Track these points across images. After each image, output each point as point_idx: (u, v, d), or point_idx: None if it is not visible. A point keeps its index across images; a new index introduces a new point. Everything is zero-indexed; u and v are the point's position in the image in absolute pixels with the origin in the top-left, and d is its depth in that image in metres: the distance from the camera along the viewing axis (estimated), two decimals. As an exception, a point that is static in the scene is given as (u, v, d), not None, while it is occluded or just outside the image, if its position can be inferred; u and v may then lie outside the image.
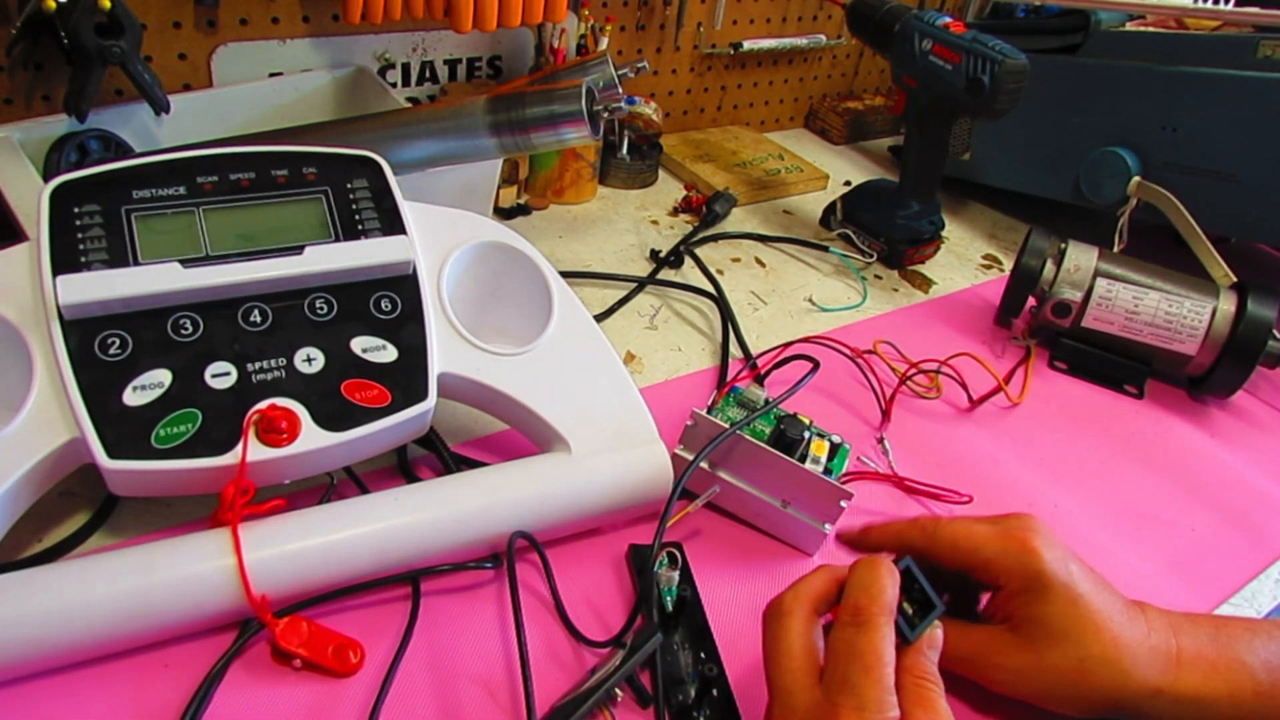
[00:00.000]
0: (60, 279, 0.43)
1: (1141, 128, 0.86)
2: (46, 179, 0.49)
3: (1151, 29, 0.92)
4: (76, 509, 0.50)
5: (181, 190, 0.48)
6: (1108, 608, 0.44)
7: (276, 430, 0.45)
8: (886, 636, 0.38)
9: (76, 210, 0.46)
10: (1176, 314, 0.73)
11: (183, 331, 0.46)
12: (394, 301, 0.51)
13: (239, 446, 0.44)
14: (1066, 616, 0.43)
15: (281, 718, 0.42)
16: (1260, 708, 0.43)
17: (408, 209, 0.53)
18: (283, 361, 0.47)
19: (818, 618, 0.41)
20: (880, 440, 0.66)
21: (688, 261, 0.84)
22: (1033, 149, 0.96)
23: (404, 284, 0.51)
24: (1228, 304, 0.72)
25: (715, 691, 0.46)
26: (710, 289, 0.80)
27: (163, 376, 0.45)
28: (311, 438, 0.46)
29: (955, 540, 0.45)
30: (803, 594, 0.41)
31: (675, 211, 0.94)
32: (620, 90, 0.74)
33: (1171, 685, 0.43)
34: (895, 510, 0.60)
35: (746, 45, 1.07)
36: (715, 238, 0.90)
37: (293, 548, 0.45)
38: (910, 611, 0.40)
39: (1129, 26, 0.94)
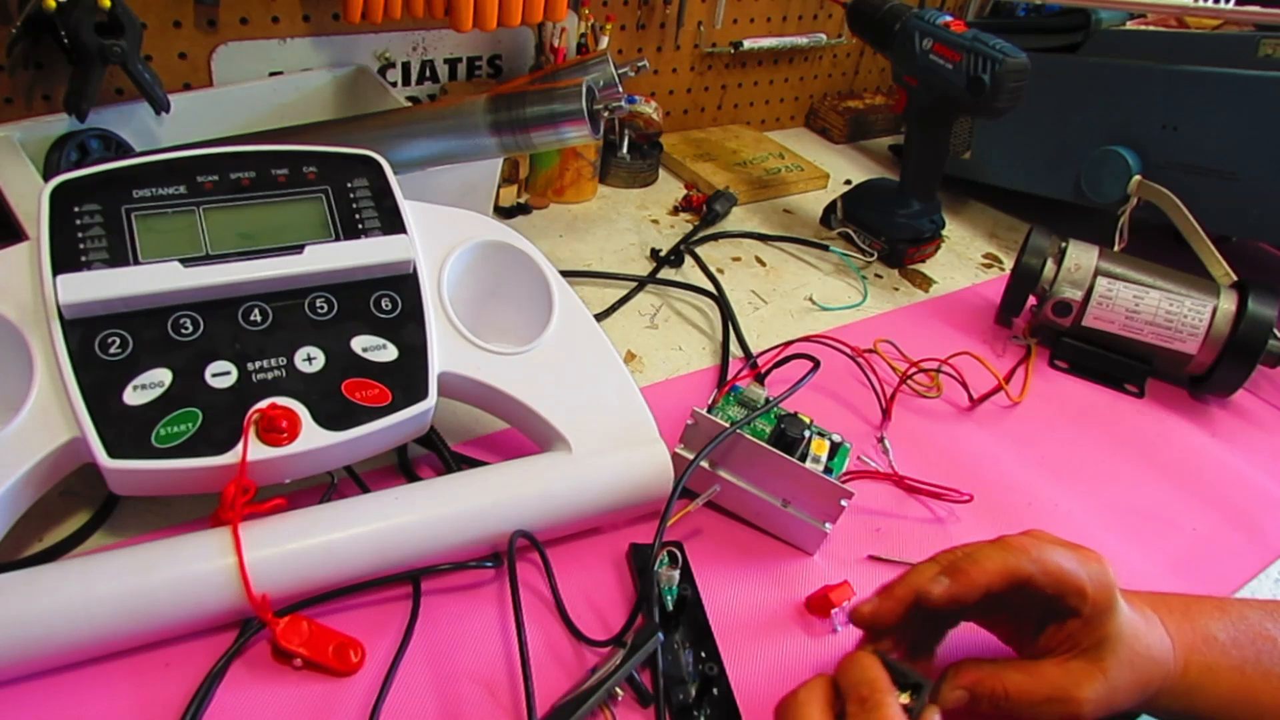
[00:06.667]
0: (60, 278, 0.43)
1: (1142, 126, 0.86)
2: (47, 178, 0.49)
3: (1152, 28, 0.92)
4: (77, 508, 0.50)
5: (182, 189, 0.48)
6: (1126, 608, 0.44)
7: (277, 429, 0.44)
8: (898, 713, 0.38)
9: (77, 209, 0.46)
10: (1177, 313, 0.73)
11: (183, 331, 0.46)
12: (394, 301, 0.51)
13: (239, 446, 0.44)
14: (1123, 627, 0.43)
15: (282, 717, 0.42)
16: (1233, 683, 0.45)
17: (408, 208, 0.53)
18: (283, 361, 0.47)
19: (833, 715, 0.40)
20: (881, 439, 0.66)
21: (688, 261, 0.84)
22: (1033, 148, 0.96)
23: (404, 283, 0.51)
24: (1228, 303, 0.72)
25: (716, 690, 0.46)
26: (711, 288, 0.80)
27: (163, 376, 0.45)
28: (312, 437, 0.46)
29: (1060, 569, 0.42)
30: (816, 689, 0.40)
31: (675, 210, 0.94)
32: (620, 89, 0.74)
33: (1178, 674, 0.45)
34: (896, 509, 0.60)
35: (747, 44, 1.07)
36: (715, 237, 0.90)
37: (293, 547, 0.45)
38: (907, 698, 0.40)
39: (1130, 25, 0.94)
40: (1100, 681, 0.42)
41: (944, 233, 0.92)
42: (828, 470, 0.53)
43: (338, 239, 0.50)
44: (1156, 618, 0.46)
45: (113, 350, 0.44)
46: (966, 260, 0.94)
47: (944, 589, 0.42)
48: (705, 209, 0.92)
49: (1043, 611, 0.44)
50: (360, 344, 0.49)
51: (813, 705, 0.39)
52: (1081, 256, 0.75)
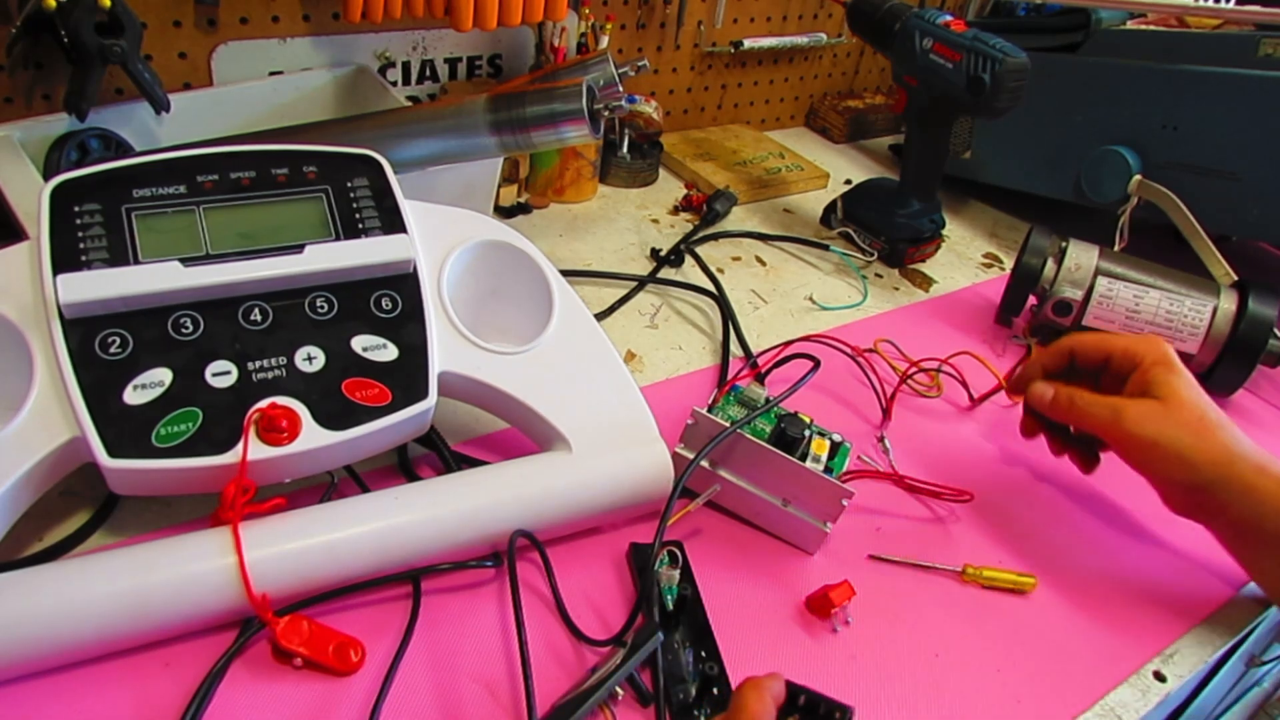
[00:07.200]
0: (61, 278, 0.43)
1: (1142, 126, 0.86)
2: (47, 178, 0.49)
3: (1152, 27, 0.92)
4: (77, 508, 0.50)
5: (182, 189, 0.48)
6: (1217, 406, 0.54)
7: (277, 429, 0.44)
8: None
9: (77, 209, 0.46)
10: (1177, 313, 0.73)
11: (183, 330, 0.46)
12: (394, 300, 0.51)
13: (239, 445, 0.44)
14: (1191, 389, 0.54)
15: (282, 716, 0.42)
16: None
17: (408, 207, 0.53)
18: (283, 360, 0.47)
19: None
20: (881, 439, 0.66)
21: (688, 260, 0.84)
22: (1033, 147, 0.96)
23: (404, 283, 0.51)
24: (1229, 303, 0.72)
25: (716, 690, 0.46)
26: (711, 288, 0.80)
27: (163, 375, 0.45)
28: (312, 436, 0.46)
29: (1097, 338, 0.58)
30: None
31: (676, 210, 0.94)
32: (620, 89, 0.74)
33: (1276, 468, 0.52)
34: (896, 509, 0.60)
35: (747, 44, 1.07)
36: (716, 236, 0.90)
37: (293, 547, 0.45)
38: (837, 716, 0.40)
39: (1130, 25, 0.94)
40: (1157, 406, 0.53)
41: (944, 232, 0.92)
42: (828, 470, 0.53)
43: (338, 239, 0.50)
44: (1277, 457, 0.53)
45: (113, 350, 0.44)
46: (966, 260, 0.94)
47: (1017, 374, 0.63)
48: (705, 208, 0.92)
49: (1116, 381, 0.57)
50: (360, 343, 0.49)
51: None
52: (1081, 256, 0.75)
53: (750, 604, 0.52)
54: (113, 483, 0.44)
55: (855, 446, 0.62)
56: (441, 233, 0.55)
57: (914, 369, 0.70)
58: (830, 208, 0.94)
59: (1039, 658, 0.52)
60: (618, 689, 0.44)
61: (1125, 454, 0.55)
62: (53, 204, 0.45)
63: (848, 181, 1.05)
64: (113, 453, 0.42)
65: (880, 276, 0.88)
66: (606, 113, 0.65)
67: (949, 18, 0.79)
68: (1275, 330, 0.71)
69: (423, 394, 0.49)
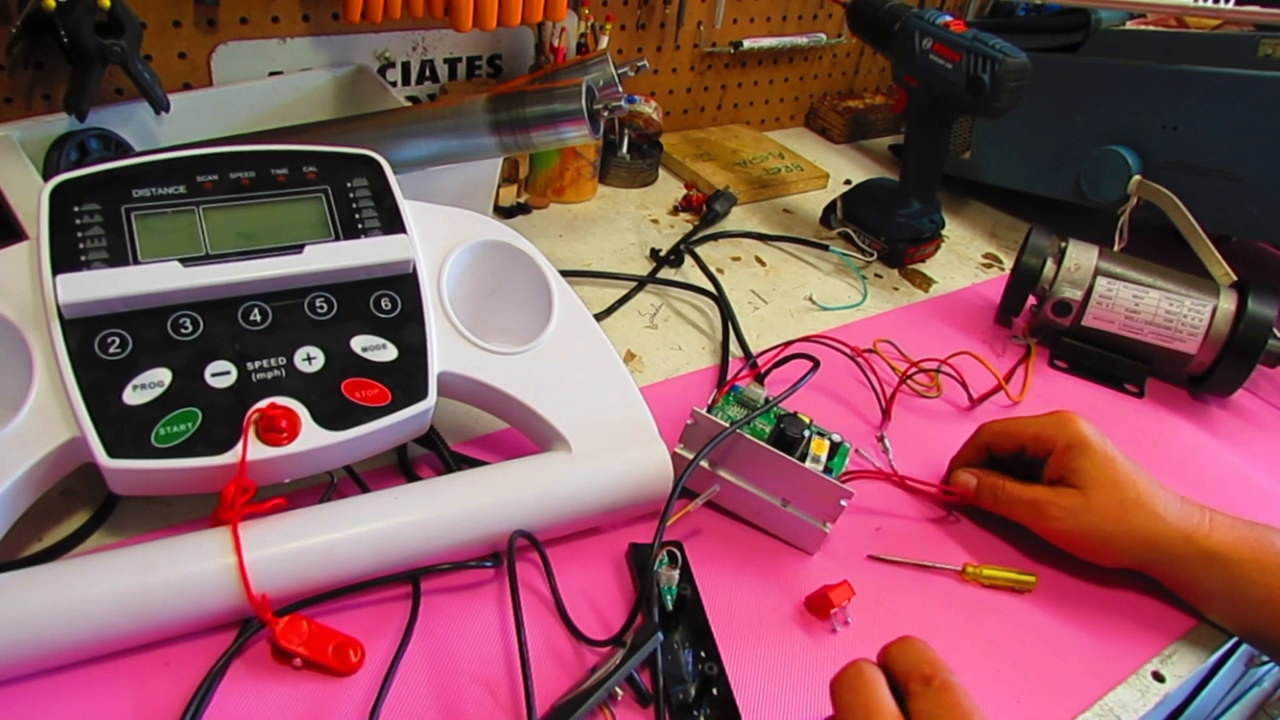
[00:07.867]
0: (60, 278, 0.43)
1: (1142, 126, 0.86)
2: (46, 178, 0.49)
3: (1152, 28, 0.92)
4: (77, 508, 0.50)
5: (181, 189, 0.48)
6: (1140, 471, 0.54)
7: (276, 429, 0.45)
8: (966, 692, 0.38)
9: (76, 209, 0.46)
10: (1177, 313, 0.73)
11: (183, 330, 0.46)
12: (394, 300, 0.51)
13: (239, 445, 0.44)
14: (1107, 468, 0.54)
15: (282, 716, 0.42)
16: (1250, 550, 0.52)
17: (408, 208, 0.53)
18: (283, 360, 0.47)
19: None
20: (880, 439, 0.66)
21: (688, 260, 0.84)
22: (1033, 148, 0.96)
23: (404, 283, 0.51)
24: (1228, 303, 0.72)
25: (715, 690, 0.46)
26: (710, 288, 0.80)
27: (163, 375, 0.45)
28: (311, 436, 0.46)
29: (1007, 427, 0.58)
30: (875, 670, 0.40)
31: (675, 210, 0.94)
32: (620, 89, 0.74)
33: (1204, 538, 0.52)
34: (895, 509, 0.60)
35: (747, 44, 1.07)
36: (715, 236, 0.90)
37: (293, 547, 0.45)
38: None
39: (1129, 25, 0.94)
40: (1076, 498, 0.54)
41: (944, 232, 0.92)
42: (827, 470, 0.53)
43: (337, 239, 0.50)
44: (1205, 511, 0.54)
45: (112, 350, 0.44)
46: (966, 260, 0.94)
47: (946, 477, 0.61)
48: (705, 209, 0.92)
49: (1034, 466, 0.57)
50: (360, 344, 0.49)
51: (879, 685, 0.39)
52: (1081, 256, 0.75)
53: (750, 604, 0.52)
54: (112, 483, 0.44)
55: (855, 446, 0.62)
56: (441, 233, 0.55)
57: (913, 369, 0.70)
58: (830, 208, 0.94)
59: (1039, 658, 0.52)
60: (617, 689, 0.44)
61: (1054, 543, 0.56)
62: (52, 204, 0.45)
63: (847, 181, 1.05)
64: (112, 453, 0.42)
65: (880, 276, 0.88)
66: (606, 113, 0.65)
67: (949, 18, 0.79)
68: (1275, 330, 0.71)
69: (422, 394, 0.49)
